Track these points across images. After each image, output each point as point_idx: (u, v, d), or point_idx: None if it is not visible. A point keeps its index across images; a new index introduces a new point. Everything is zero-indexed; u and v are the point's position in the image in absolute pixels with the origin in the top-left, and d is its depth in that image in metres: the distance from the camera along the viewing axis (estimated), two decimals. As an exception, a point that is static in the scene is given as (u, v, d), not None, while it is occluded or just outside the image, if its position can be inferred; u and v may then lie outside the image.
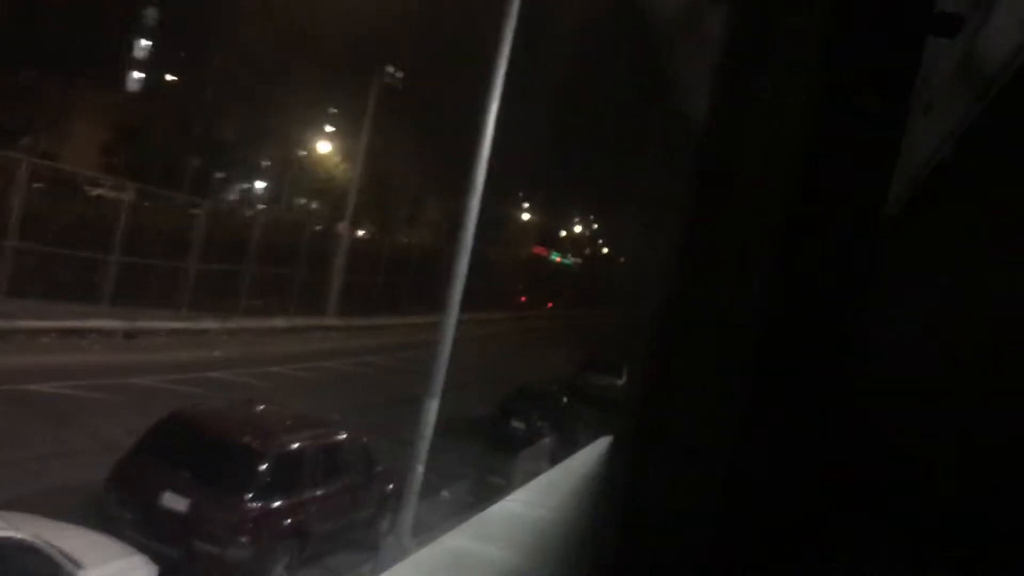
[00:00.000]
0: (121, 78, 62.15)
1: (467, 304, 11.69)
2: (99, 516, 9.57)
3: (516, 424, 19.50)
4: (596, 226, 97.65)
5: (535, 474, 12.00)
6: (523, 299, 46.93)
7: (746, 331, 2.27)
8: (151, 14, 58.36)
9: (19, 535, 6.70)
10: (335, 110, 50.79)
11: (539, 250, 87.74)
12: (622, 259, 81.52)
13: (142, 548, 8.47)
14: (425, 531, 11.76)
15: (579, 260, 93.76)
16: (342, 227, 31.67)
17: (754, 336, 2.25)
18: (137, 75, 64.18)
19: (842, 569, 2.12)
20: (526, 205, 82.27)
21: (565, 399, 22.01)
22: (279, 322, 27.38)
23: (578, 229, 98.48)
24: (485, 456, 17.70)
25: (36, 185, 22.61)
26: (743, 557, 2.19)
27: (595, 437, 10.46)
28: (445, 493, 14.67)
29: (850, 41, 2.02)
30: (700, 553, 2.21)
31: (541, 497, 4.59)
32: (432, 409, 11.09)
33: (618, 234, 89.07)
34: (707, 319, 2.34)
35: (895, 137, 2.14)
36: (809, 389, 2.24)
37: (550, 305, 47.86)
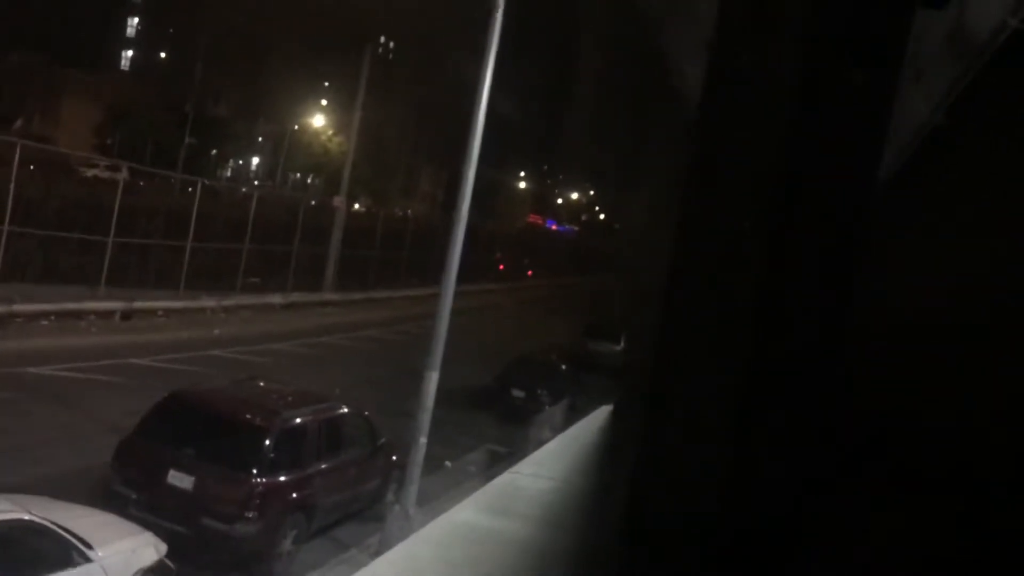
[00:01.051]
0: (111, 58, 61.69)
1: (461, 276, 11.70)
2: (105, 496, 9.64)
3: (516, 393, 19.59)
4: (592, 193, 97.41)
5: (537, 443, 12.14)
6: (500, 267, 46.15)
7: (744, 300, 2.29)
8: (138, -8, 57.51)
9: (29, 517, 6.77)
10: (327, 83, 50.47)
11: (535, 218, 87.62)
12: (618, 226, 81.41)
13: (150, 526, 8.56)
14: (429, 501, 11.88)
15: (576, 227, 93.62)
16: (337, 201, 31.58)
17: (753, 305, 2.28)
18: (127, 54, 63.67)
19: (845, 534, 2.16)
20: (522, 174, 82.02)
21: (564, 367, 22.10)
22: (277, 299, 27.40)
23: (575, 196, 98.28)
24: (486, 426, 17.82)
25: (30, 168, 22.55)
26: (748, 524, 2.23)
27: (595, 405, 10.54)
28: (448, 463, 14.78)
29: (840, 13, 2.03)
30: (706, 521, 2.26)
31: (545, 468, 4.64)
32: (432, 381, 11.15)
33: (615, 201, 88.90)
34: (706, 289, 2.37)
35: (886, 106, 2.15)
36: (808, 356, 2.27)
37: (530, 274, 47.00)
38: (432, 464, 12.44)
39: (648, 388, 2.54)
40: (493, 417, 18.37)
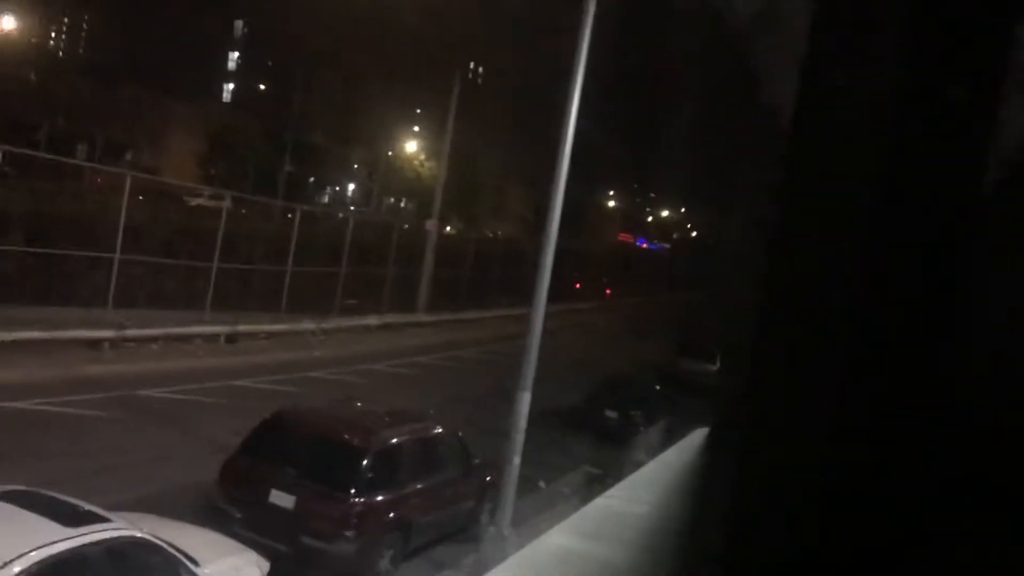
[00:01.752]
0: (214, 90, 64.36)
1: (550, 295, 11.71)
2: (211, 514, 9.96)
3: (609, 414, 19.43)
4: (683, 210, 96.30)
5: (632, 465, 12.01)
6: (577, 286, 44.86)
7: (843, 319, 2.24)
8: (239, 27, 60.06)
9: (141, 534, 7.03)
10: (419, 110, 51.39)
11: (625, 237, 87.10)
12: (711, 243, 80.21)
13: (253, 544, 8.79)
14: (524, 522, 11.87)
15: (667, 245, 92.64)
16: (430, 224, 32.08)
17: (852, 324, 2.23)
18: (229, 86, 66.34)
19: (949, 563, 2.07)
20: (611, 192, 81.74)
21: (657, 387, 21.84)
22: (372, 320, 27.94)
23: (665, 214, 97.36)
24: (579, 447, 17.73)
25: (139, 198, 23.65)
26: (851, 550, 2.16)
27: (690, 427, 10.37)
28: (542, 484, 14.75)
29: (937, 23, 1.97)
30: (808, 547, 2.20)
31: (640, 492, 4.59)
32: (525, 401, 11.16)
33: (706, 218, 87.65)
34: (803, 308, 2.32)
35: (989, 118, 2.07)
36: (911, 376, 2.20)
37: (608, 293, 45.37)
38: (526, 485, 12.45)
39: (746, 410, 2.49)
40: (586, 438, 18.27)
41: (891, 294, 2.17)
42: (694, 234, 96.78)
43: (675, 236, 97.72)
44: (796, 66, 2.35)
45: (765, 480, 2.34)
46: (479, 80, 58.94)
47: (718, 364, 26.41)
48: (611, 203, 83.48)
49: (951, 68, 1.99)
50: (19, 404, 13.90)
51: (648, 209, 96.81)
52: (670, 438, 14.30)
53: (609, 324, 41.18)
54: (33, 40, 54.11)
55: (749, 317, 2.72)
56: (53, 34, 79.52)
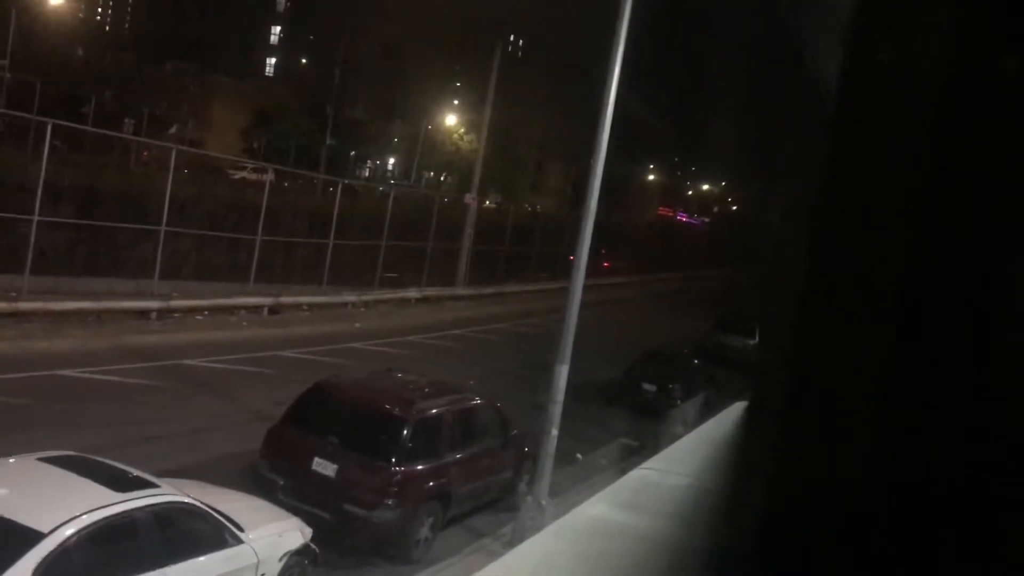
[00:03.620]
0: (257, 65, 64.80)
1: (589, 270, 11.69)
2: (255, 481, 10.18)
3: (647, 387, 19.43)
4: (724, 184, 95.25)
5: (669, 438, 12.03)
6: (606, 265, 42.16)
7: (886, 296, 2.23)
8: (282, 1, 60.25)
9: (187, 500, 7.23)
10: (459, 83, 51.30)
11: (665, 211, 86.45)
12: (753, 218, 79.31)
13: (296, 511, 8.99)
14: (561, 493, 11.97)
15: (706, 220, 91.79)
16: (469, 198, 32.13)
17: (895, 301, 2.22)
18: (271, 61, 66.76)
19: (988, 539, 2.08)
20: (651, 167, 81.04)
21: (696, 361, 21.77)
22: (412, 293, 28.16)
23: (706, 188, 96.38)
24: (617, 420, 17.78)
25: (184, 171, 24.00)
26: (888, 526, 2.18)
27: (728, 401, 10.34)
28: (579, 456, 14.84)
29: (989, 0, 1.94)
30: (844, 521, 2.22)
31: (678, 464, 4.61)
32: (563, 374, 11.22)
33: (748, 193, 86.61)
34: (845, 284, 2.32)
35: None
36: (954, 354, 2.19)
37: (606, 265, 41.87)
38: (564, 457, 12.53)
39: (785, 385, 2.50)
40: (623, 411, 18.30)
41: (938, 272, 2.15)
42: (735, 208, 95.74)
43: (715, 210, 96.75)
44: (841, 39, 2.33)
45: (801, 455, 2.35)
46: (519, 53, 58.63)
47: (757, 339, 26.22)
48: (651, 177, 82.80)
49: (1003, 37, 1.95)
50: (71, 372, 14.27)
51: (689, 183, 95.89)
52: (708, 412, 14.29)
53: (646, 300, 40.98)
54: (80, 16, 54.83)
55: (790, 292, 2.72)
56: (99, 10, 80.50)
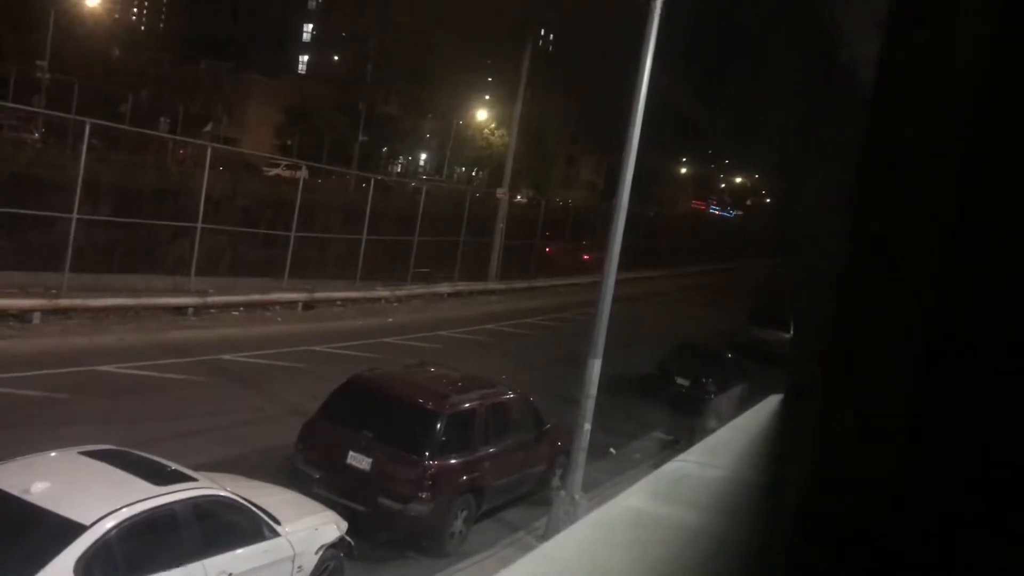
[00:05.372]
0: (290, 62, 65.31)
1: (621, 263, 11.64)
2: (291, 475, 10.28)
3: (680, 381, 19.33)
4: (758, 176, 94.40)
5: (703, 432, 11.97)
6: (586, 258, 36.66)
7: (924, 289, 2.20)
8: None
9: (225, 493, 7.32)
10: (490, 78, 51.32)
11: (698, 203, 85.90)
12: (787, 209, 78.54)
13: (331, 504, 9.07)
14: (595, 487, 11.96)
15: (740, 212, 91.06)
16: (500, 193, 32.15)
17: (933, 295, 2.18)
18: (304, 58, 67.27)
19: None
20: (684, 159, 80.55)
21: (729, 354, 21.62)
22: (445, 288, 28.24)
23: (739, 180, 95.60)
24: (650, 414, 17.71)
25: (219, 169, 24.27)
26: (924, 522, 2.15)
27: (763, 395, 10.27)
28: (612, 450, 14.82)
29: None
30: (881, 516, 2.19)
31: (714, 456, 4.58)
32: (595, 368, 11.20)
33: (782, 184, 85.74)
34: (883, 277, 2.29)
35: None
36: (992, 351, 2.14)
37: (587, 258, 37.22)
38: (597, 451, 12.51)
39: (821, 378, 2.47)
40: (656, 405, 18.23)
41: (977, 261, 2.11)
42: (769, 200, 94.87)
43: (749, 202, 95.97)
44: (877, 24, 2.29)
45: (838, 449, 2.33)
46: (551, 47, 58.48)
47: (792, 332, 25.97)
48: (683, 170, 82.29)
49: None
50: (111, 368, 14.50)
51: (722, 175, 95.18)
52: (742, 405, 14.19)
53: (679, 292, 40.74)
54: (116, 16, 55.58)
55: (826, 285, 2.69)
56: (135, 10, 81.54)
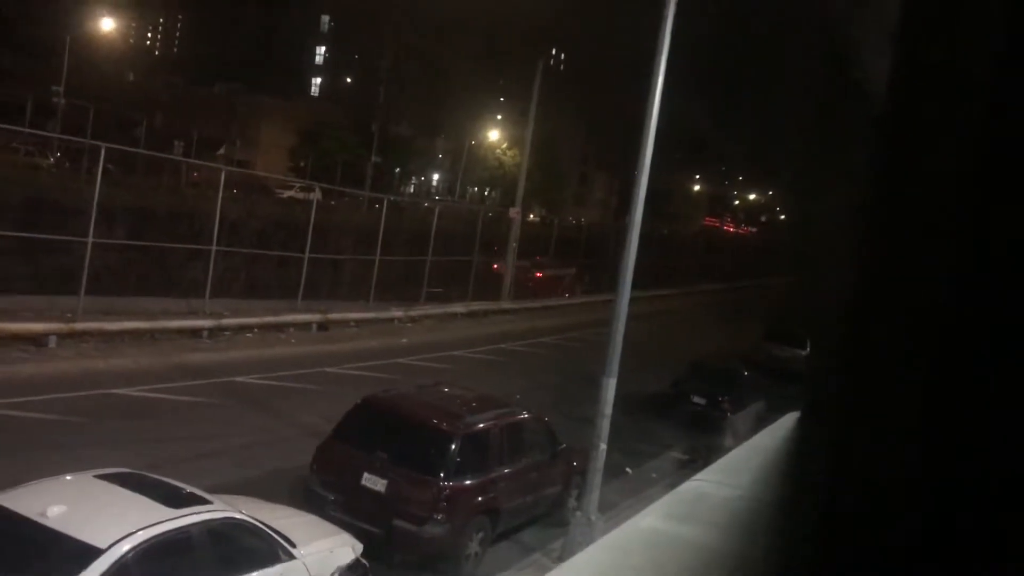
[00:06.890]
0: (302, 85, 65.87)
1: (635, 282, 11.62)
2: (305, 497, 10.26)
3: (696, 400, 19.21)
4: (771, 193, 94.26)
5: (720, 451, 11.89)
6: (538, 275, 34.31)
7: (938, 304, 2.18)
8: (326, 22, 61.20)
9: (239, 516, 7.30)
10: (502, 98, 51.56)
11: (711, 221, 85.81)
12: (801, 226, 78.20)
13: (346, 526, 9.03)
14: (611, 508, 11.87)
15: (753, 229, 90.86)
16: (513, 212, 32.20)
17: (947, 309, 2.16)
18: (316, 81, 67.82)
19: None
20: (697, 176, 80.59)
21: (745, 372, 21.47)
22: (458, 308, 28.25)
23: (752, 197, 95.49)
24: (665, 433, 17.61)
25: (233, 191, 24.43)
26: (944, 537, 2.12)
27: (779, 413, 10.19)
28: (628, 470, 14.72)
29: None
30: (900, 533, 2.16)
31: (731, 476, 4.54)
32: (610, 387, 11.15)
33: (796, 201, 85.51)
34: (898, 293, 2.27)
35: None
36: (1008, 363, 2.13)
37: (538, 275, 34.62)
38: (613, 471, 12.43)
39: (838, 396, 2.45)
40: (672, 424, 18.13)
41: (993, 279, 2.09)
42: (782, 217, 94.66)
43: (763, 219, 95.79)
44: (890, 40, 2.29)
45: (856, 467, 2.30)
46: (562, 67, 58.77)
47: (808, 349, 25.80)
48: (697, 187, 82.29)
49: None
50: (126, 391, 14.55)
51: (736, 193, 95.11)
52: (759, 423, 14.10)
53: (693, 310, 40.62)
54: (130, 41, 56.28)
55: (841, 301, 2.67)
56: (149, 35, 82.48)
